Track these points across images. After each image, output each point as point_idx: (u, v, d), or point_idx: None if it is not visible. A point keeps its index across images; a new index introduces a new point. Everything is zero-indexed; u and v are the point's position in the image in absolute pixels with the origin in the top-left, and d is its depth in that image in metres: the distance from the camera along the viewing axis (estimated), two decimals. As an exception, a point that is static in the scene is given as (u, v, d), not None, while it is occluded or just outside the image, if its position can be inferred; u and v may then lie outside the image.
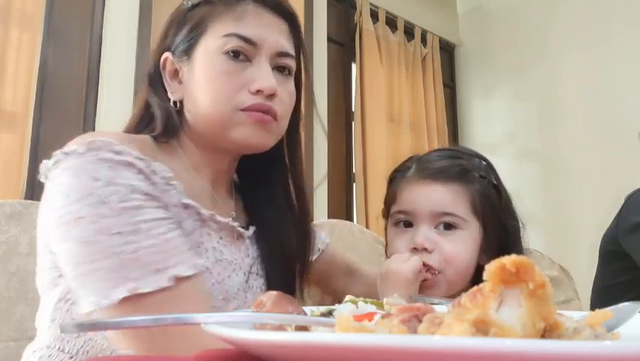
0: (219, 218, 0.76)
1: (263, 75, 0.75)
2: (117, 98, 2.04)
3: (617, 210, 1.74)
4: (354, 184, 3.10)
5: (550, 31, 3.39)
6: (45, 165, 0.67)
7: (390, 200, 0.88)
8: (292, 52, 0.80)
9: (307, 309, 0.50)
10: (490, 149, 3.67)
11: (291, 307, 0.46)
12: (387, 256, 0.88)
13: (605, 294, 1.72)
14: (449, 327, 0.29)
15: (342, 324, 0.30)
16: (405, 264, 0.81)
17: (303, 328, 0.41)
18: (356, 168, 3.09)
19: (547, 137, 3.36)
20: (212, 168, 0.81)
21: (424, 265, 0.79)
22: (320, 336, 0.29)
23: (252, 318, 0.43)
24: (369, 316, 0.43)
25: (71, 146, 0.66)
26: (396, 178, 0.89)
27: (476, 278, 0.84)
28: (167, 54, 0.80)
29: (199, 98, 0.75)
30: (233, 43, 0.74)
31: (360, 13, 3.23)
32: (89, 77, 2.07)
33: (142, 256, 0.60)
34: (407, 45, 3.51)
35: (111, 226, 0.60)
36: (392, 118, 3.28)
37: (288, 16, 0.81)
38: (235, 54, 0.74)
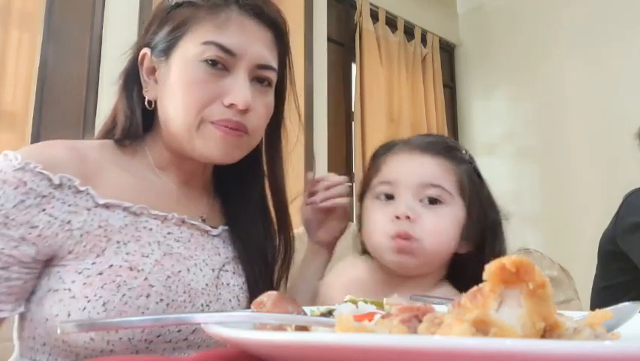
0: (158, 212, 0.75)
1: (238, 89, 0.73)
2: (117, 98, 2.04)
3: (616, 210, 1.74)
4: (353, 184, 3.10)
5: (550, 32, 3.40)
6: None
7: (371, 175, 0.83)
8: (274, 64, 0.79)
9: (307, 309, 0.50)
10: (490, 149, 3.68)
11: (291, 307, 0.46)
12: (362, 238, 0.84)
13: (604, 294, 1.72)
14: (449, 327, 0.29)
15: (342, 324, 0.30)
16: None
17: (303, 328, 0.41)
18: (356, 167, 3.09)
19: (546, 137, 3.37)
20: (181, 169, 0.81)
21: (404, 234, 0.75)
22: (320, 336, 0.29)
23: (252, 318, 0.43)
24: (369, 316, 0.43)
25: None
26: (379, 153, 0.85)
27: (451, 269, 0.81)
28: (145, 50, 0.78)
29: (170, 104, 0.75)
30: (212, 52, 0.73)
31: (360, 13, 3.23)
32: (88, 77, 2.07)
33: None
34: (407, 45, 3.51)
35: None
36: (392, 118, 3.28)
37: (273, 26, 0.79)
38: (213, 63, 0.73)
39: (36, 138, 1.90)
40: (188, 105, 0.73)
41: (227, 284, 0.78)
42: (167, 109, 0.75)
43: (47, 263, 0.69)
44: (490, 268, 0.32)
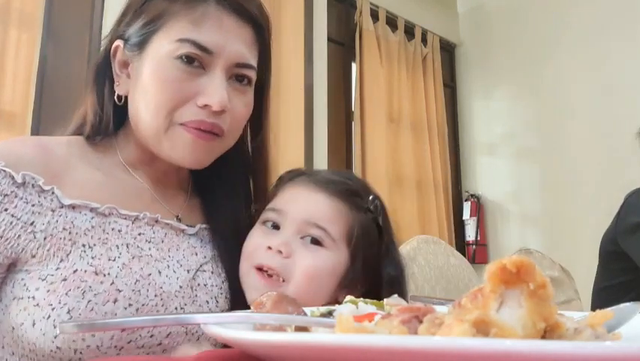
0: (128, 212, 0.71)
1: (214, 89, 0.69)
2: (117, 98, 2.04)
3: (617, 210, 1.74)
4: (354, 184, 3.10)
5: (551, 31, 3.40)
6: None
7: (269, 198, 0.78)
8: (253, 62, 0.75)
9: (307, 310, 0.50)
10: (490, 149, 3.68)
11: (290, 308, 0.46)
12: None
13: (605, 294, 1.72)
14: (449, 328, 0.29)
15: (342, 325, 0.30)
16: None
17: (302, 328, 0.41)
18: (356, 168, 3.09)
19: (547, 137, 3.37)
20: (153, 167, 0.78)
21: (267, 267, 0.69)
22: (320, 337, 0.28)
23: (252, 319, 0.43)
24: (370, 316, 0.43)
25: None
26: (283, 178, 0.81)
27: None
28: (119, 42, 0.74)
29: (141, 101, 0.71)
30: (187, 49, 0.69)
31: (361, 12, 3.23)
32: (88, 77, 2.07)
33: None
34: (407, 45, 3.51)
35: None
36: (392, 118, 3.28)
37: (253, 22, 0.75)
38: (188, 60, 0.69)
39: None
40: (159, 105, 0.69)
41: (205, 285, 0.75)
42: (138, 106, 0.72)
43: (10, 268, 0.66)
44: (491, 269, 0.31)
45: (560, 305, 1.74)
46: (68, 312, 0.61)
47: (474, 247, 3.52)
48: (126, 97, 0.75)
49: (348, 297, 0.52)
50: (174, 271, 0.72)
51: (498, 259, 0.32)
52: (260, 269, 0.70)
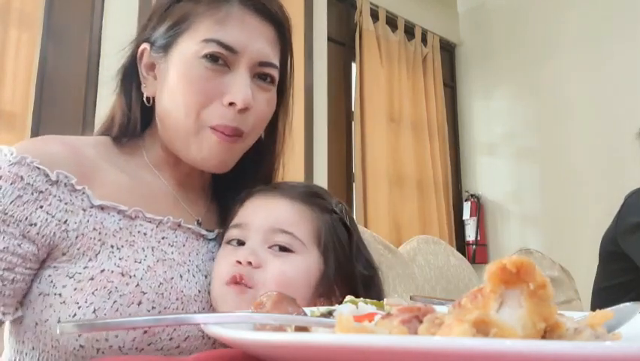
0: (153, 216, 0.72)
1: (239, 87, 0.71)
2: (117, 97, 2.04)
3: (617, 210, 1.74)
4: (353, 184, 3.10)
5: (551, 31, 3.40)
6: None
7: (230, 219, 0.76)
8: (276, 61, 0.77)
9: (307, 310, 0.50)
10: (490, 149, 3.68)
11: (291, 308, 0.46)
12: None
13: (605, 294, 1.72)
14: (449, 328, 0.29)
15: (342, 325, 0.30)
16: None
17: (303, 328, 0.41)
18: (356, 168, 3.09)
19: (547, 137, 3.37)
20: (177, 169, 0.79)
21: (239, 277, 0.67)
22: (320, 337, 0.28)
23: (252, 319, 0.42)
24: (370, 316, 0.43)
25: None
26: (240, 198, 0.79)
27: None
28: (145, 45, 0.77)
29: (169, 102, 0.73)
30: (213, 49, 0.71)
31: (361, 12, 3.24)
32: (88, 77, 2.07)
33: None
34: (407, 45, 3.51)
35: None
36: (392, 118, 3.28)
37: (275, 22, 0.77)
38: (213, 58, 0.71)
39: (35, 137, 1.90)
40: (188, 105, 0.71)
41: None
42: (166, 107, 0.74)
43: (40, 264, 0.67)
44: (491, 269, 0.31)
45: (560, 305, 1.74)
46: (94, 311, 0.62)
47: (474, 247, 3.53)
48: (153, 98, 0.76)
49: (348, 297, 0.52)
50: (194, 276, 0.73)
51: (498, 259, 0.32)
52: (235, 282, 0.68)
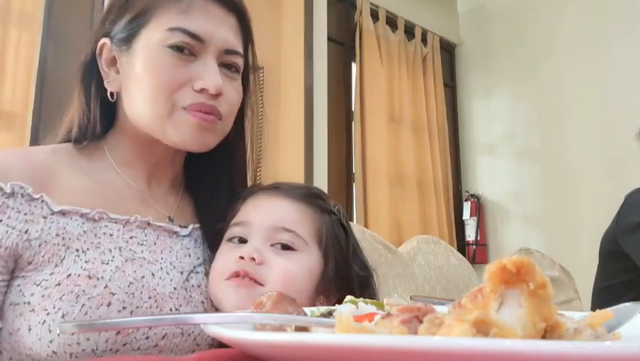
0: (118, 217, 0.72)
1: (209, 73, 0.71)
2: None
3: (617, 210, 1.74)
4: (353, 184, 3.10)
5: (551, 32, 3.40)
6: None
7: (231, 217, 0.76)
8: (240, 49, 0.77)
9: (307, 310, 0.50)
10: (490, 149, 3.68)
11: (290, 308, 0.46)
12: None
13: (605, 294, 1.72)
14: (449, 328, 0.29)
15: (342, 325, 0.30)
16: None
17: (302, 328, 0.41)
18: (356, 168, 3.09)
19: (547, 137, 3.37)
20: (149, 162, 0.78)
21: (243, 272, 0.67)
22: (320, 337, 0.28)
23: (252, 318, 0.42)
24: (370, 316, 0.43)
25: None
26: (242, 195, 0.79)
27: None
28: (104, 40, 0.75)
29: (137, 92, 0.72)
30: (178, 38, 0.70)
31: (361, 12, 3.23)
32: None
33: None
34: (407, 45, 3.51)
35: None
36: (392, 118, 3.28)
37: (237, 11, 0.77)
38: (179, 49, 0.71)
39: (35, 137, 1.90)
40: (157, 91, 0.70)
41: (199, 286, 0.75)
42: (134, 98, 0.72)
43: (10, 275, 0.66)
44: (491, 269, 0.31)
45: (560, 305, 1.74)
46: (62, 316, 0.62)
47: (474, 247, 3.52)
48: (118, 93, 0.75)
49: (348, 297, 0.52)
50: (167, 273, 0.72)
51: (498, 259, 0.32)
52: (236, 276, 0.68)
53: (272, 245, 0.71)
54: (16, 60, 1.95)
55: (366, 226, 2.81)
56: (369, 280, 0.78)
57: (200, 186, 0.84)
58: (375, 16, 3.33)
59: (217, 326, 0.37)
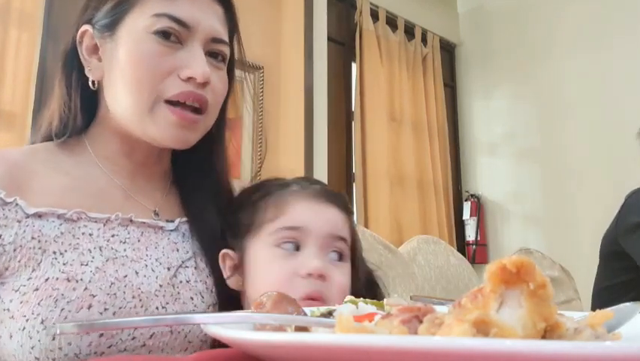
0: (98, 215, 0.69)
1: (196, 61, 0.69)
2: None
3: (617, 210, 1.74)
4: (353, 184, 3.10)
5: (551, 32, 3.40)
6: None
7: (269, 216, 0.71)
8: (226, 38, 0.75)
9: (307, 310, 0.50)
10: (490, 149, 3.68)
11: (290, 308, 0.46)
12: (247, 291, 0.72)
13: (605, 294, 1.72)
14: (450, 328, 0.29)
15: (343, 325, 0.30)
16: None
17: (302, 328, 0.41)
18: (356, 167, 3.09)
19: (547, 137, 3.37)
20: (132, 158, 0.76)
21: (317, 295, 0.65)
22: (320, 337, 0.28)
23: (252, 319, 0.42)
24: (370, 316, 0.43)
25: None
26: (272, 192, 0.74)
27: None
28: (86, 27, 0.73)
29: (119, 81, 0.69)
30: (164, 24, 0.68)
31: (361, 12, 3.23)
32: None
33: None
34: (407, 45, 3.51)
35: None
36: (392, 118, 3.28)
37: (224, 1, 0.76)
38: (165, 35, 0.68)
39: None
40: (140, 80, 0.68)
41: (187, 281, 0.72)
42: (116, 87, 0.70)
43: None
44: (491, 269, 0.31)
45: (560, 305, 1.74)
46: (42, 322, 0.60)
47: (474, 247, 3.52)
48: (99, 85, 0.73)
49: (348, 297, 0.52)
50: (153, 271, 0.70)
51: (498, 259, 0.32)
52: (310, 299, 0.66)
53: (326, 254, 0.70)
54: (16, 60, 1.95)
55: (366, 225, 2.81)
56: (375, 281, 0.80)
57: (185, 179, 0.82)
58: (375, 16, 3.33)
59: (217, 326, 0.37)
